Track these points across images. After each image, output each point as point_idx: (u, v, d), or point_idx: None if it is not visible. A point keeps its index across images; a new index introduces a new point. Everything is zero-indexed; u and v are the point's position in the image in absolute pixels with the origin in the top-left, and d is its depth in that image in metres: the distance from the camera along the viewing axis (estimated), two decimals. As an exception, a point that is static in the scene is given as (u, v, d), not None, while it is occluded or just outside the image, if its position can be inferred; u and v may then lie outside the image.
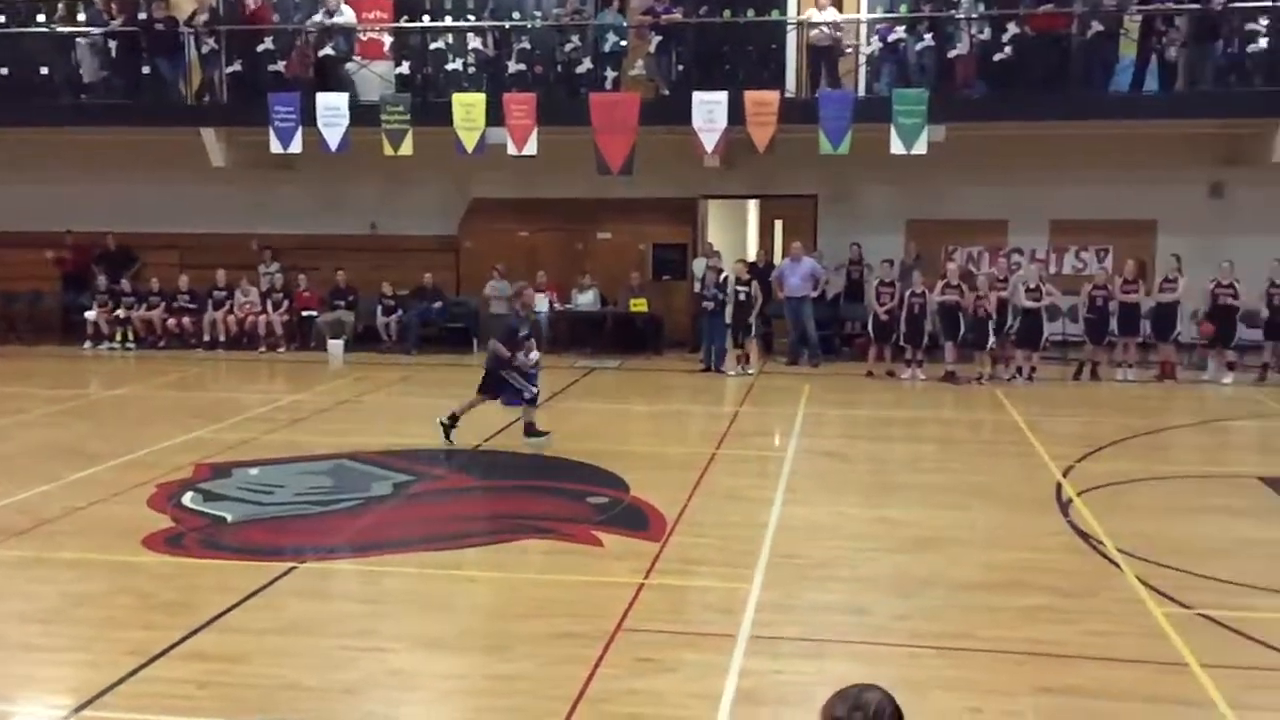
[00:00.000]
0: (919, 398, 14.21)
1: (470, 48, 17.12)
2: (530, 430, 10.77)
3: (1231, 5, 15.17)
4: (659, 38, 16.26)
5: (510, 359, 10.68)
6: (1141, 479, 9.74)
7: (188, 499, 8.92)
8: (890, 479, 9.97)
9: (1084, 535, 8.04)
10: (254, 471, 9.81)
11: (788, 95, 16.21)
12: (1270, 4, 15.21)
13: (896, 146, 15.36)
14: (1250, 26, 15.22)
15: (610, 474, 9.75)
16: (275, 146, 16.84)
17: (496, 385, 10.80)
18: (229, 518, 8.44)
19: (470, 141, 16.34)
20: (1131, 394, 14.22)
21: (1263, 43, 15.11)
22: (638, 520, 8.39)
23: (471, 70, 17.13)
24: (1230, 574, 7.16)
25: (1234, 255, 15.08)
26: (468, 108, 16.28)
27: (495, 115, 16.18)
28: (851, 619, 6.46)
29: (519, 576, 7.28)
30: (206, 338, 17.76)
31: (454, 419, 10.78)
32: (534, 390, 10.82)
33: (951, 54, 15.79)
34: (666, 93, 16.43)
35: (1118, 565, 7.35)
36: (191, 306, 18.06)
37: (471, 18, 17.45)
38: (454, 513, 8.84)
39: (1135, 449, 11.04)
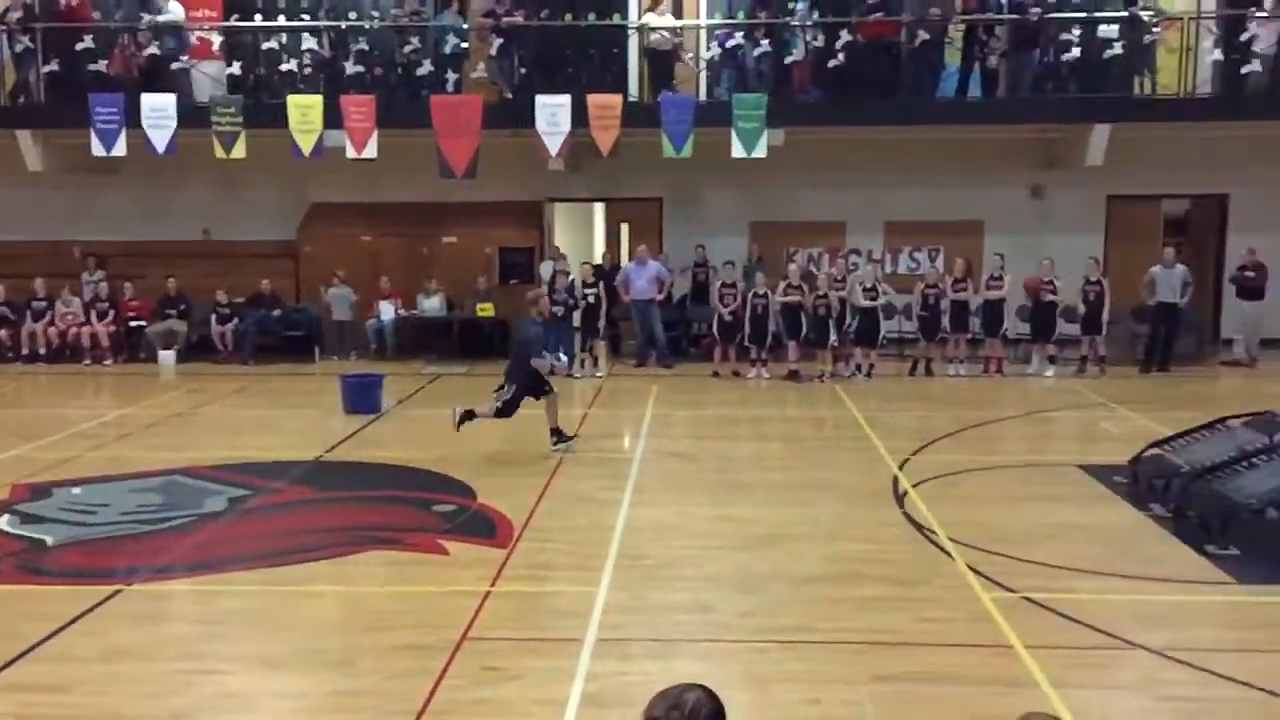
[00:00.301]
0: (764, 396, 14.50)
1: (305, 48, 16.69)
2: (463, 417, 10.74)
3: (1048, 16, 15.98)
4: (500, 40, 16.17)
5: (550, 370, 10.86)
6: (972, 469, 10.14)
7: (4, 522, 8.42)
8: (736, 477, 10.12)
9: (918, 526, 8.33)
10: (76, 490, 9.31)
11: (630, 99, 16.34)
12: (1083, 15, 16.08)
13: (737, 150, 15.64)
14: (1065, 36, 16.05)
15: (457, 481, 9.63)
16: (97, 149, 16.09)
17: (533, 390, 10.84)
18: (49, 540, 8.00)
19: (306, 144, 15.92)
20: (963, 388, 14.81)
21: (1076, 52, 15.94)
22: (484, 527, 8.30)
23: (307, 71, 16.70)
24: (1052, 558, 7.52)
25: (1053, 254, 15.88)
26: (304, 110, 15.86)
27: (333, 117, 15.81)
28: (697, 617, 6.53)
29: (362, 590, 7.11)
30: (25, 350, 16.81)
31: (557, 433, 10.91)
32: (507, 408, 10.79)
33: (788, 60, 16.18)
34: (509, 95, 16.34)
35: (949, 554, 7.64)
36: (11, 318, 17.07)
37: (306, 17, 17.01)
38: (294, 526, 8.58)
39: (966, 441, 11.49)
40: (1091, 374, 15.38)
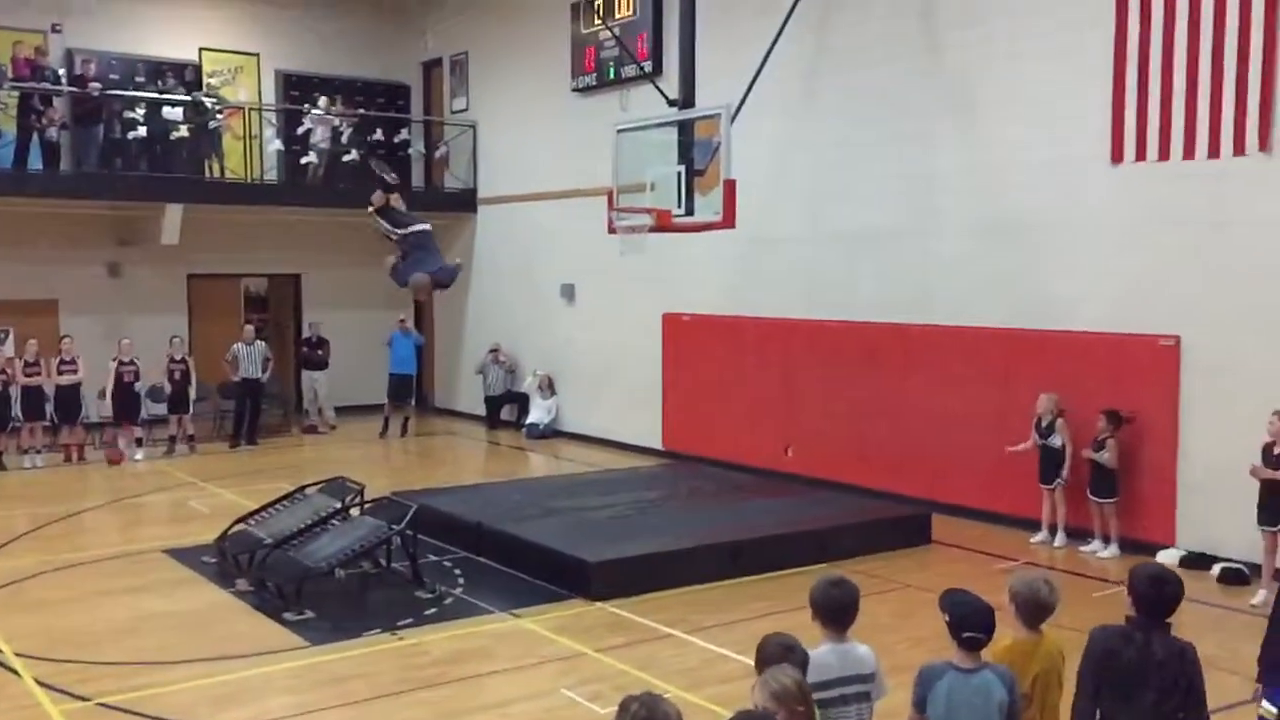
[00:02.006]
0: None
1: None
2: None
3: (109, 93, 15.62)
4: None
5: None
6: (50, 570, 9.37)
7: None
8: None
9: (-20, 646, 7.43)
10: None
11: None
12: (148, 95, 15.99)
13: None
14: (129, 114, 15.80)
15: None
16: None
17: None
18: None
19: None
20: (42, 480, 13.68)
21: (143, 130, 15.79)
22: None
23: None
24: (132, 655, 7.23)
25: (135, 333, 15.52)
26: None
27: None
28: None
29: None
30: None
31: None
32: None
33: None
34: None
35: (16, 671, 6.92)
36: None
37: None
38: None
39: (47, 538, 10.62)
40: (181, 453, 15.28)
